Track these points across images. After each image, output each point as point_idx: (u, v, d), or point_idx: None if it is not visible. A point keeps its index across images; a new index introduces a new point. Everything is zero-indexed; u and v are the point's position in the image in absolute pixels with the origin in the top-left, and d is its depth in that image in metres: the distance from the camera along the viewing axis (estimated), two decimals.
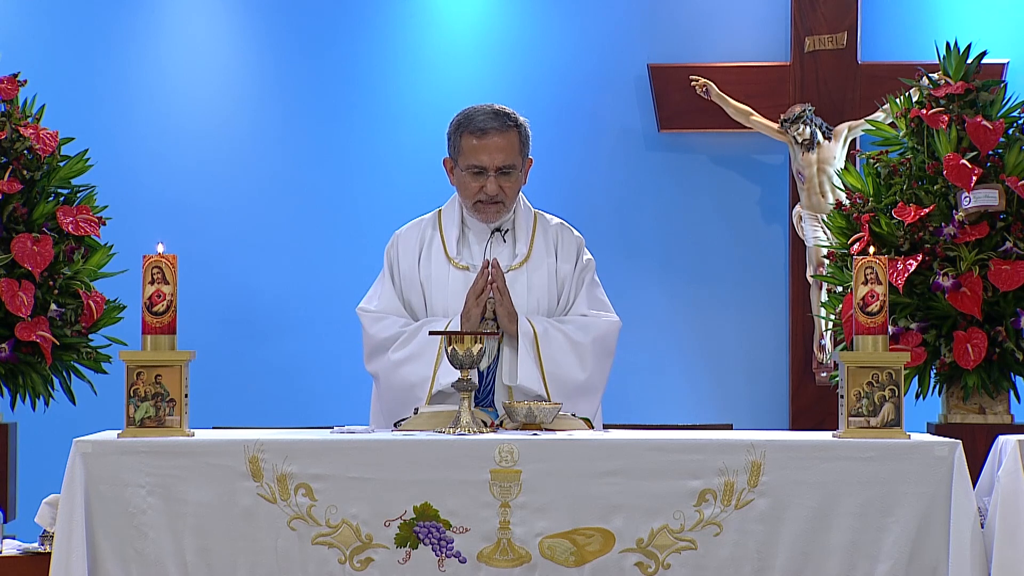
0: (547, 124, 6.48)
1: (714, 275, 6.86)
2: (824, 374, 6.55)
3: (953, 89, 5.53)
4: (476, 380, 4.18)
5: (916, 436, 4.02)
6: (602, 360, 4.69)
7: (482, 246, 4.74)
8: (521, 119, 4.70)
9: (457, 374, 4.24)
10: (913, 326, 5.41)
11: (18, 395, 5.46)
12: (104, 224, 5.55)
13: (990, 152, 5.47)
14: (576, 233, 4.85)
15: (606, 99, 6.86)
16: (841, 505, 3.88)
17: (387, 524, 3.87)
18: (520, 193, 4.79)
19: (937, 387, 5.52)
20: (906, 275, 5.32)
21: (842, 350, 4.81)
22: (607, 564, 3.87)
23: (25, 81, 5.59)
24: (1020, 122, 5.53)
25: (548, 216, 4.85)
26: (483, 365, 4.20)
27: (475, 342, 4.11)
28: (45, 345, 5.32)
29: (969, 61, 5.58)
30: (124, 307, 5.58)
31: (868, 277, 4.03)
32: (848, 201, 5.61)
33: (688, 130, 6.84)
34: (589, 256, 4.82)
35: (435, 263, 4.73)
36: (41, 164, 5.49)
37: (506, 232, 4.76)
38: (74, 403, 5.54)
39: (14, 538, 4.35)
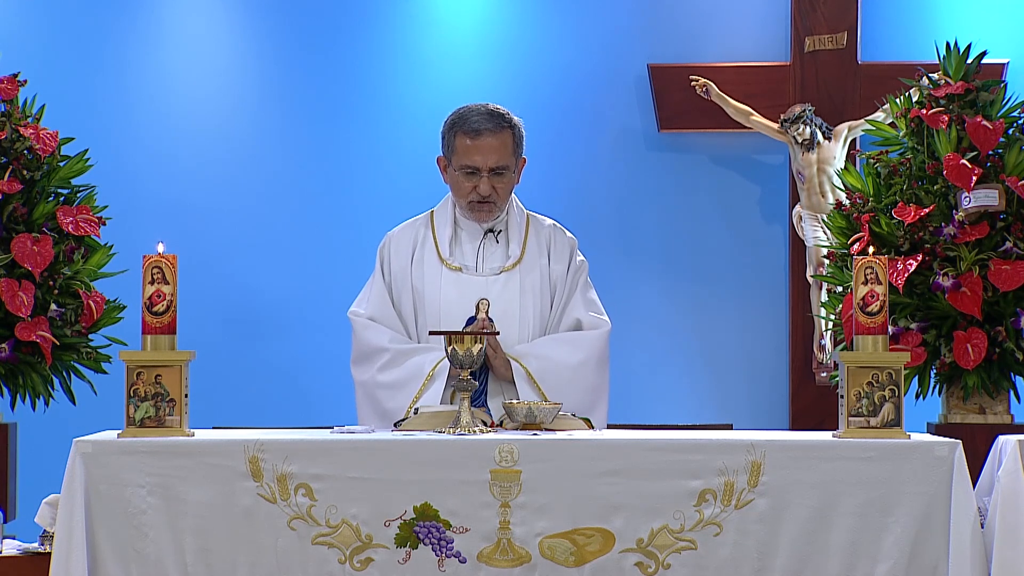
0: (547, 124, 6.49)
1: (714, 275, 6.86)
2: (824, 374, 6.55)
3: (953, 89, 5.53)
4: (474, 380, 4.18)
5: (916, 436, 4.02)
6: (602, 372, 4.69)
7: (475, 247, 4.74)
8: (515, 119, 4.69)
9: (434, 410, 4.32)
10: (913, 326, 5.41)
11: (18, 395, 5.46)
12: (104, 224, 5.55)
13: (990, 152, 5.47)
14: (569, 234, 4.84)
15: (606, 99, 6.86)
16: (841, 505, 3.88)
17: (387, 524, 3.87)
18: (513, 195, 4.79)
19: (937, 387, 5.52)
20: (906, 275, 5.32)
21: (842, 350, 4.81)
22: (607, 564, 3.87)
23: (25, 81, 5.59)
24: (1020, 122, 5.53)
25: (541, 217, 4.85)
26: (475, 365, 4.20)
27: (475, 342, 4.11)
28: (45, 345, 5.32)
29: (969, 61, 5.58)
30: (124, 307, 5.58)
31: (868, 277, 4.03)
32: (848, 201, 5.61)
33: (688, 130, 6.84)
34: (582, 258, 4.82)
35: (428, 264, 4.72)
36: (41, 164, 5.49)
37: (499, 233, 4.76)
38: (74, 403, 5.54)
39: (14, 538, 4.35)
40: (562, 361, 4.61)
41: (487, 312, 4.62)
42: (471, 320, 4.63)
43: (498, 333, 4.53)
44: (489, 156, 4.62)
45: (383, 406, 4.57)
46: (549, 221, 4.84)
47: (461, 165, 4.64)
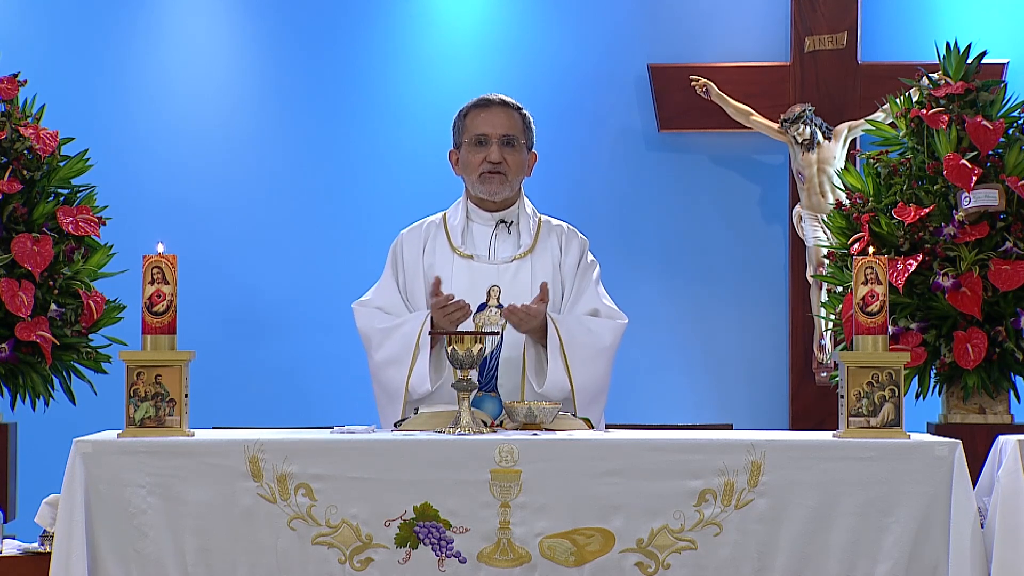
0: (547, 124, 6.46)
1: (714, 275, 6.86)
2: (824, 374, 6.55)
3: (953, 89, 5.53)
4: (475, 379, 4.18)
5: (916, 436, 4.02)
6: (611, 363, 4.71)
7: (487, 236, 4.77)
8: (525, 109, 4.84)
9: (427, 384, 4.45)
10: (913, 326, 5.41)
11: (18, 395, 5.46)
12: (104, 224, 5.55)
13: (990, 152, 5.47)
14: (581, 235, 4.89)
15: (606, 99, 6.86)
16: (841, 505, 3.88)
17: (387, 524, 3.87)
18: (524, 195, 4.84)
19: (937, 387, 5.51)
20: (906, 275, 5.32)
21: (842, 350, 4.81)
22: (607, 564, 3.87)
23: (25, 81, 5.59)
24: (1020, 122, 5.53)
25: (554, 220, 4.89)
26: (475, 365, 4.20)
27: (475, 342, 4.11)
28: (45, 345, 5.32)
29: (969, 61, 5.58)
30: (124, 307, 5.58)
31: (868, 277, 4.03)
32: (848, 201, 5.61)
33: (688, 130, 6.84)
34: (593, 259, 4.86)
35: (439, 253, 4.77)
36: (41, 164, 5.49)
37: (510, 224, 4.80)
38: (74, 403, 5.53)
39: (14, 538, 4.35)
40: (589, 342, 4.63)
41: (498, 299, 4.64)
42: (482, 307, 4.64)
43: (497, 333, 4.53)
44: (499, 124, 4.75)
45: (394, 383, 4.60)
46: (563, 223, 4.89)
47: (472, 136, 4.74)
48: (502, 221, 4.80)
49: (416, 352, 4.56)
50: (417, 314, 4.65)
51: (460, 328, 4.49)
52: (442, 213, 4.88)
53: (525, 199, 4.86)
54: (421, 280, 4.76)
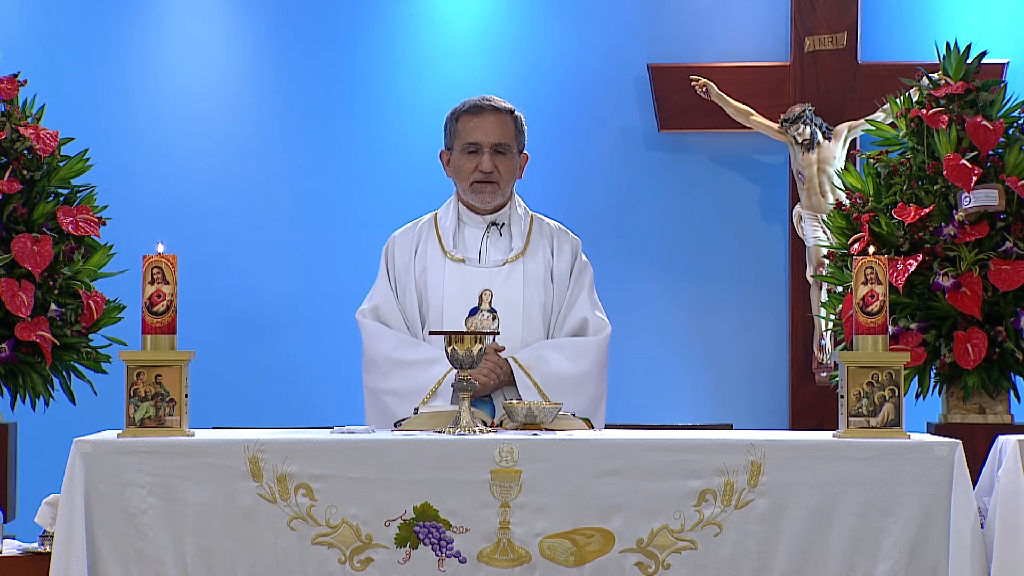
0: (547, 124, 6.49)
1: (714, 275, 6.86)
2: (824, 374, 6.55)
3: (953, 89, 5.53)
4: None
5: (916, 436, 4.02)
6: (603, 378, 4.71)
7: (478, 239, 4.76)
8: (517, 111, 4.78)
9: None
10: (913, 326, 5.41)
11: (18, 395, 5.46)
12: (104, 224, 5.55)
13: (990, 152, 5.47)
14: (573, 236, 4.87)
15: (606, 99, 6.86)
16: (841, 505, 3.88)
17: (387, 524, 3.87)
18: (517, 195, 4.82)
19: (937, 387, 5.51)
20: (906, 275, 5.32)
21: (842, 350, 4.81)
22: (607, 564, 3.87)
23: (25, 81, 5.59)
24: (1020, 122, 5.53)
25: (546, 219, 4.87)
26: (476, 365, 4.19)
27: (475, 342, 4.11)
28: (45, 345, 5.32)
29: (969, 61, 5.58)
30: (124, 307, 5.58)
31: (868, 277, 4.03)
32: (848, 201, 5.61)
33: (688, 130, 6.84)
34: (586, 260, 4.84)
35: (431, 257, 4.76)
36: (41, 164, 5.49)
37: (502, 226, 4.79)
38: (74, 403, 5.53)
39: (14, 538, 4.35)
40: (567, 373, 4.61)
41: (490, 303, 4.63)
42: (474, 311, 4.64)
43: (498, 333, 4.53)
44: (491, 132, 4.69)
45: (394, 413, 4.56)
46: (554, 223, 4.88)
47: (464, 144, 4.70)
48: (493, 223, 4.79)
49: (433, 395, 4.54)
50: (440, 358, 4.50)
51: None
52: (434, 213, 4.86)
53: (517, 199, 4.84)
54: (413, 286, 4.74)
